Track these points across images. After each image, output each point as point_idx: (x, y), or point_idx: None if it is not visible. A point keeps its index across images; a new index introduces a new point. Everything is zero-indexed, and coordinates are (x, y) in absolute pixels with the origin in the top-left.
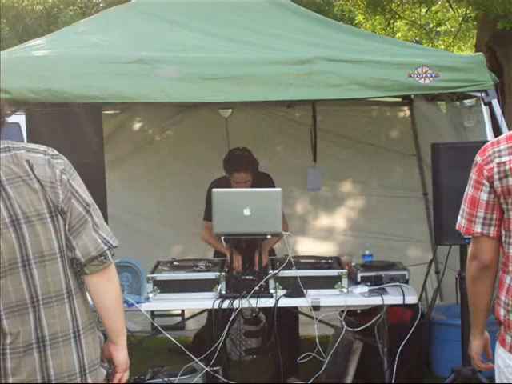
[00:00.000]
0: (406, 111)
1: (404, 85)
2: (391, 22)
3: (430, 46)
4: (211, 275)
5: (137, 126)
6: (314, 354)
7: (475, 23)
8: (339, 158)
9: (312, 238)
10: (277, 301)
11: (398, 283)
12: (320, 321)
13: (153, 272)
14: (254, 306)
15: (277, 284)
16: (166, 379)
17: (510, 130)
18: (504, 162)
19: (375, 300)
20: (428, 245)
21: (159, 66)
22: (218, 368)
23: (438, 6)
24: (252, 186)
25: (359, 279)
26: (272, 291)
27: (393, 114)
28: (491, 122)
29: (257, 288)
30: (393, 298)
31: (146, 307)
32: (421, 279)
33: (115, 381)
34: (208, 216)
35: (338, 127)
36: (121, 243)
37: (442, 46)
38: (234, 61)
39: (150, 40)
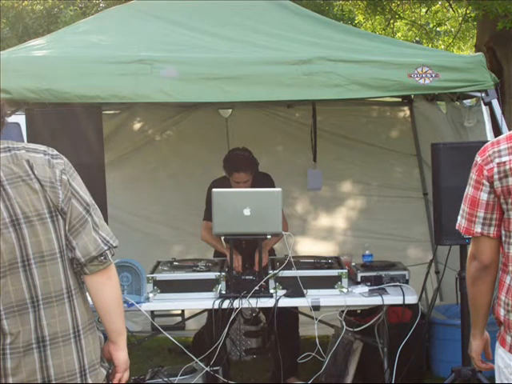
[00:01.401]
0: (406, 111)
1: (404, 85)
2: (391, 21)
3: (430, 45)
4: (211, 275)
5: (137, 126)
6: (314, 354)
7: (475, 23)
8: (339, 157)
9: (312, 237)
10: (277, 301)
11: (398, 283)
12: (320, 321)
13: (153, 272)
14: (254, 306)
15: (277, 284)
16: (165, 379)
17: (510, 129)
18: (504, 162)
19: (375, 300)
20: (428, 245)
21: (159, 66)
22: (218, 368)
23: (438, 6)
24: (252, 186)
25: (359, 279)
26: (272, 291)
27: (393, 114)
28: (491, 122)
29: (257, 288)
30: (393, 298)
31: (145, 307)
32: (421, 279)
33: (115, 381)
34: (208, 216)
35: (338, 127)
36: (121, 243)
37: (442, 46)
38: (234, 61)
39: (150, 40)
